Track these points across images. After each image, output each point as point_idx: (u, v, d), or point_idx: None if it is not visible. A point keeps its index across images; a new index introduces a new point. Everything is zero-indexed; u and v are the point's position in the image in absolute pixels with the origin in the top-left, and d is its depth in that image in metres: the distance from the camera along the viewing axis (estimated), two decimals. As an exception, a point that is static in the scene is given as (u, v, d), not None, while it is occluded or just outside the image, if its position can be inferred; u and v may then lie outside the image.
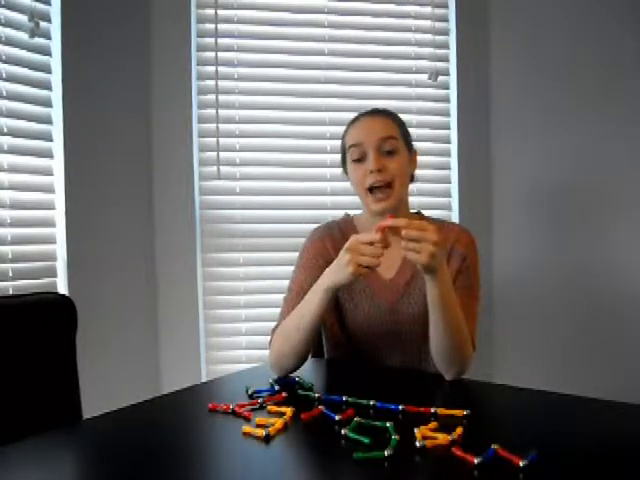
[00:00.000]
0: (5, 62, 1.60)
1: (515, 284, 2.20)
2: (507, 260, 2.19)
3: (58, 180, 1.74)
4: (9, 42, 1.61)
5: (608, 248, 2.14)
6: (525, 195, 2.20)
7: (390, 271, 1.34)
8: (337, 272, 1.10)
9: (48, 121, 1.73)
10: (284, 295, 1.34)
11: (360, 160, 1.28)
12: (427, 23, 2.17)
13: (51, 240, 1.74)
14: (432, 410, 0.95)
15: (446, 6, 2.18)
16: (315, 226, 1.44)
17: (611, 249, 2.14)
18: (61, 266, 1.75)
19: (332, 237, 1.37)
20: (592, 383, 1.65)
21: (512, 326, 2.20)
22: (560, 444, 0.83)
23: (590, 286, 2.15)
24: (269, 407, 1.00)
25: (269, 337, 1.29)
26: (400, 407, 0.97)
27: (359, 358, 1.35)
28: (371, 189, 1.27)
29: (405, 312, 1.31)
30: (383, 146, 1.27)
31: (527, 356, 2.18)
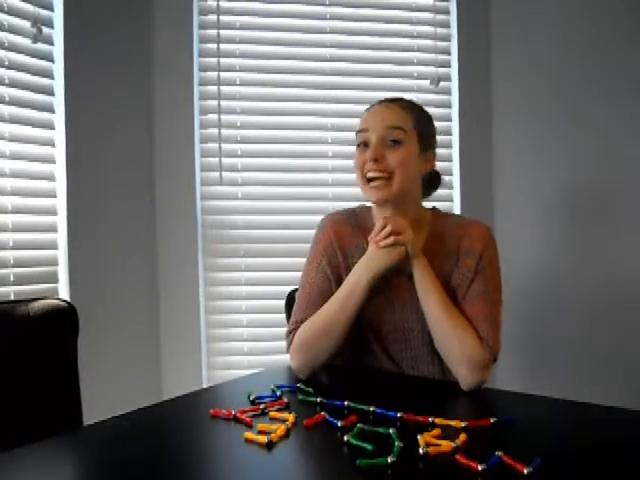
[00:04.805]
0: (8, 68, 1.60)
1: (517, 290, 2.19)
2: (509, 265, 2.18)
3: (60, 186, 1.74)
4: (12, 48, 1.62)
5: (613, 250, 2.12)
6: (527, 200, 2.19)
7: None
8: (382, 257, 1.16)
9: (50, 126, 1.73)
10: (298, 292, 1.29)
11: (364, 146, 1.23)
12: (429, 29, 2.18)
13: (53, 246, 1.73)
14: (430, 420, 0.94)
15: (448, 12, 2.19)
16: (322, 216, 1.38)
17: (616, 251, 2.12)
18: (63, 271, 1.75)
19: (340, 232, 1.30)
20: (601, 390, 1.63)
21: (514, 330, 2.18)
22: (565, 451, 0.83)
23: (593, 289, 2.13)
24: (271, 413, 0.99)
25: (286, 341, 1.25)
26: (398, 414, 0.96)
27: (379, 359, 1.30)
28: (370, 179, 1.21)
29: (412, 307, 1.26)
30: (388, 136, 1.20)
31: (531, 360, 2.17)
